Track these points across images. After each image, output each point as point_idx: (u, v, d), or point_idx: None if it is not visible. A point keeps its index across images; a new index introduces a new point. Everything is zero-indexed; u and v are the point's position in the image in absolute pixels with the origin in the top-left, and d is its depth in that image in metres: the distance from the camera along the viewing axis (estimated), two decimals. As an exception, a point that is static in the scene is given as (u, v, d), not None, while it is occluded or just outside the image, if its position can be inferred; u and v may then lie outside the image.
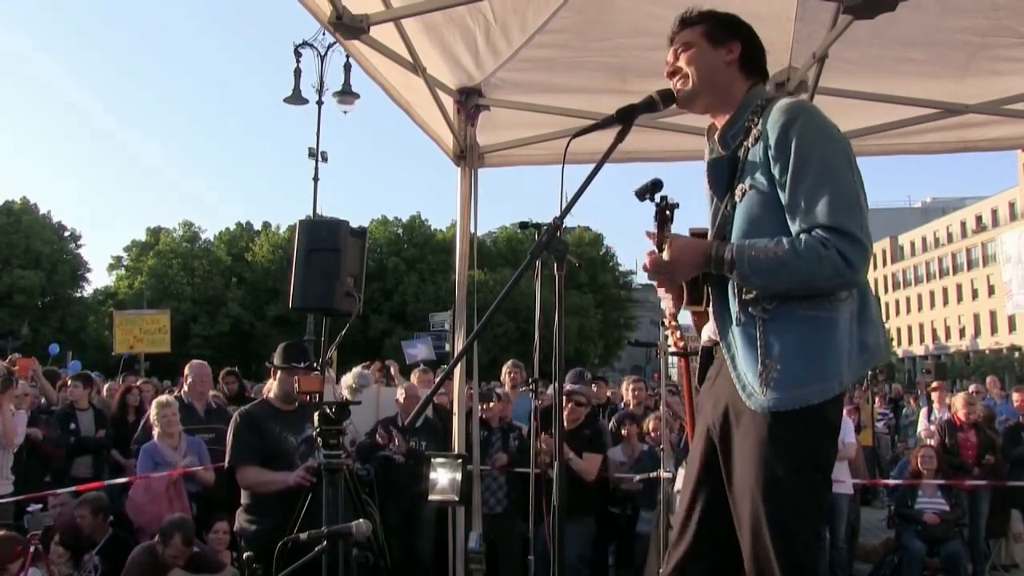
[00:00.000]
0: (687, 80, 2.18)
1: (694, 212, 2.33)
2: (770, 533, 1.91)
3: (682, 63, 2.19)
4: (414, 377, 8.02)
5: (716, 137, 2.21)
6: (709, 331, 2.22)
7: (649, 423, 6.39)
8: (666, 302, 2.40)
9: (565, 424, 4.61)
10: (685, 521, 2.16)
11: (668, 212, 2.06)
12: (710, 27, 2.20)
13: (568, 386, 5.29)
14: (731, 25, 2.22)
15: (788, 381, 1.93)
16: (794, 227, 1.96)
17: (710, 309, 2.17)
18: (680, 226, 2.21)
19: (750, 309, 2.02)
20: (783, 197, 1.98)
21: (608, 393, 9.00)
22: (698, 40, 2.18)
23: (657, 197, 2.07)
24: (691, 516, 2.15)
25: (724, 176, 2.13)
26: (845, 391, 2.00)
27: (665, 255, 2.05)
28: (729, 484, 2.04)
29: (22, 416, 6.30)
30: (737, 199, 2.08)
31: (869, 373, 11.61)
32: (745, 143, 2.09)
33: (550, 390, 6.16)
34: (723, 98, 2.18)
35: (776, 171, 1.99)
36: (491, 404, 5.93)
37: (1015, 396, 8.11)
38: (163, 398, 6.14)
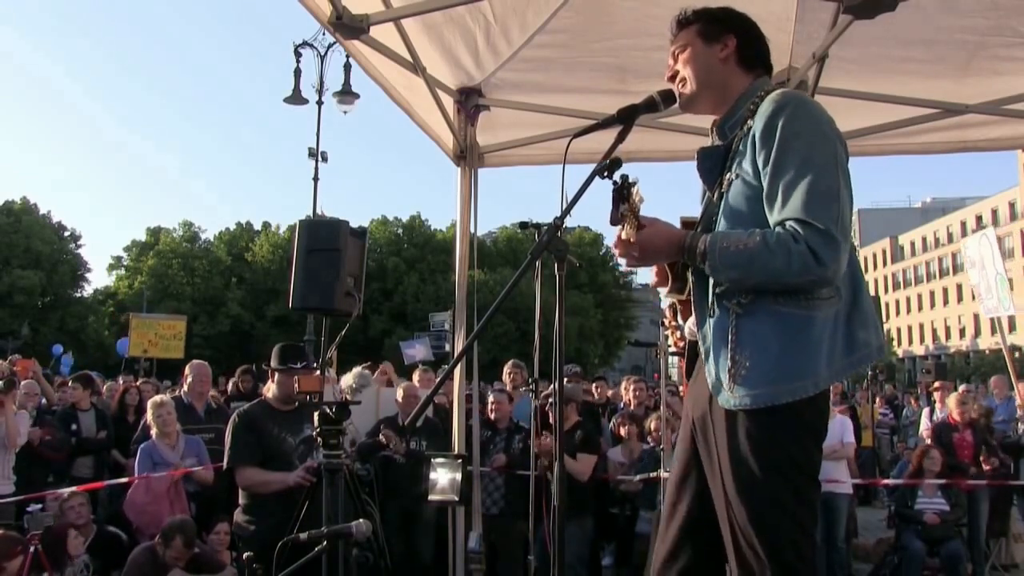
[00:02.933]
0: (685, 83, 2.16)
1: (696, 210, 2.29)
2: (754, 534, 1.88)
3: (679, 65, 2.17)
4: (415, 377, 8.02)
5: (715, 129, 2.18)
6: (691, 323, 2.18)
7: (650, 423, 6.40)
8: (650, 277, 2.37)
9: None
10: (668, 520, 2.15)
11: (624, 190, 2.01)
12: (703, 24, 2.16)
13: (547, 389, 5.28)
14: (724, 19, 2.18)
15: (757, 379, 1.89)
16: (771, 219, 1.92)
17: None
18: (672, 217, 2.20)
19: (724, 302, 1.97)
20: (764, 187, 1.94)
21: (608, 393, 9.01)
22: (693, 40, 2.15)
23: (616, 175, 2.02)
24: (674, 515, 2.14)
25: (716, 166, 2.10)
26: (825, 391, 1.93)
27: (624, 233, 2.02)
28: (711, 484, 2.02)
29: (24, 416, 6.30)
30: (724, 189, 2.05)
31: (868, 373, 11.64)
32: (739, 133, 2.06)
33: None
34: (723, 95, 2.14)
35: (760, 161, 1.95)
36: (499, 403, 5.92)
37: (1020, 387, 8.09)
38: (159, 398, 6.13)
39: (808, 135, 1.92)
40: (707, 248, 1.94)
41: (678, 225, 2.19)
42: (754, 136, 1.97)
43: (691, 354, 2.24)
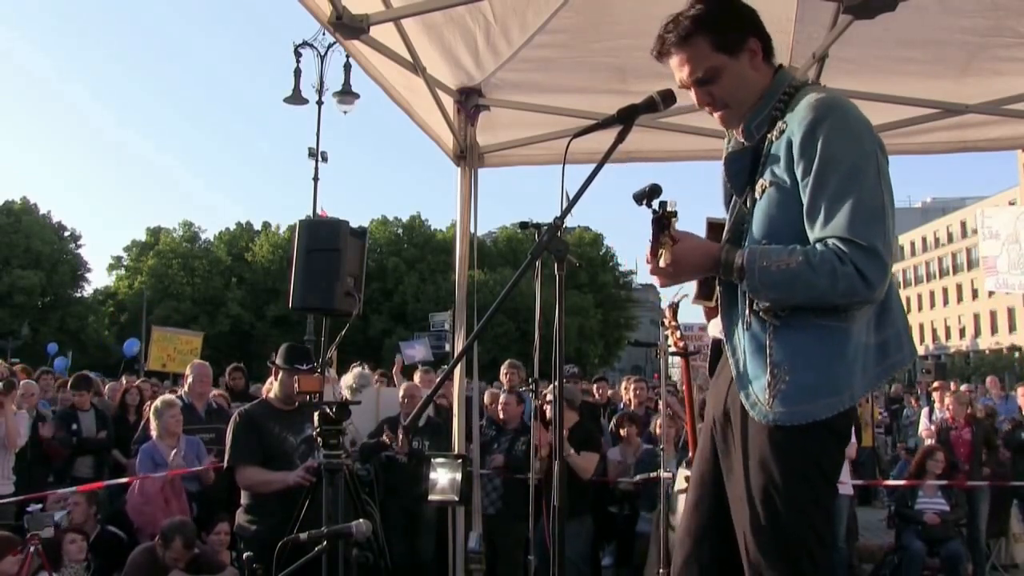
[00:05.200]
0: (727, 108, 2.03)
1: (695, 210, 2.27)
2: (771, 538, 1.86)
3: (718, 93, 2.01)
4: (416, 377, 8.03)
5: (740, 127, 2.05)
6: (717, 328, 2.12)
7: (654, 425, 6.39)
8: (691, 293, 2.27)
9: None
10: (689, 520, 2.13)
11: (665, 219, 1.91)
12: (718, 35, 1.96)
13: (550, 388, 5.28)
14: (738, 21, 2.00)
15: (797, 394, 1.84)
16: (812, 235, 1.84)
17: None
18: (694, 218, 2.14)
19: (761, 314, 1.90)
20: (804, 201, 1.85)
21: (608, 393, 9.02)
22: (716, 58, 1.96)
23: (655, 203, 1.92)
24: (695, 515, 2.11)
25: (745, 169, 2.00)
26: (857, 403, 1.89)
27: (663, 262, 1.92)
28: (728, 482, 2.00)
29: (23, 416, 6.28)
30: (757, 195, 1.96)
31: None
32: (769, 135, 1.95)
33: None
34: (757, 95, 2.02)
35: (799, 172, 1.85)
36: (507, 403, 5.92)
37: (1020, 390, 8.11)
38: (169, 398, 6.05)
39: (852, 149, 1.83)
40: (745, 265, 1.86)
41: (703, 226, 2.16)
42: (791, 143, 1.88)
43: (715, 352, 2.20)
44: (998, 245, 7.15)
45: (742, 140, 2.06)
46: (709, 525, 2.07)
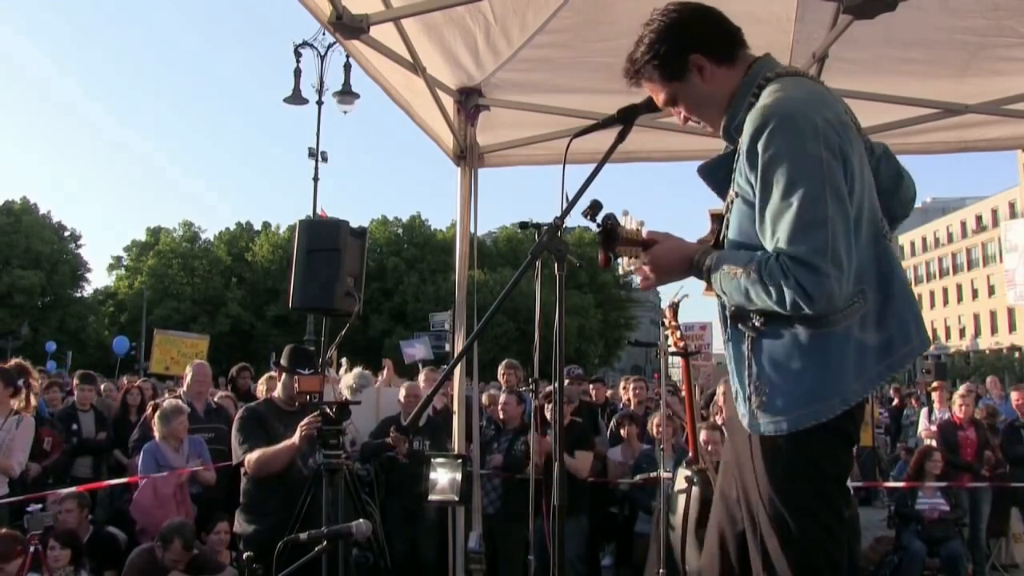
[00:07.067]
0: (700, 122, 2.09)
1: (696, 211, 2.29)
2: (778, 541, 1.83)
3: (685, 112, 2.07)
4: (420, 376, 8.02)
5: (722, 133, 2.05)
6: None
7: (653, 423, 6.39)
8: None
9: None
10: (712, 528, 2.13)
11: (609, 232, 1.99)
12: (661, 69, 2.00)
13: (547, 388, 5.29)
14: (675, 46, 1.97)
15: (781, 405, 1.81)
16: (767, 245, 1.80)
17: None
18: (694, 219, 2.16)
19: (739, 325, 1.90)
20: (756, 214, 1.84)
21: (607, 393, 9.01)
22: (670, 87, 2.01)
23: (599, 217, 2.00)
24: (715, 515, 2.12)
25: (725, 177, 1.99)
26: (860, 402, 1.83)
27: (625, 265, 1.99)
28: (738, 484, 2.00)
29: (24, 433, 5.96)
30: (729, 204, 1.96)
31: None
32: (741, 139, 1.91)
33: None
34: (724, 102, 2.00)
35: (753, 181, 1.83)
36: (507, 404, 5.92)
37: (1014, 395, 8.10)
38: (177, 403, 5.95)
39: (790, 157, 1.75)
40: (712, 268, 1.88)
41: (707, 217, 2.19)
42: (744, 152, 1.85)
43: None
44: (1016, 257, 7.16)
45: (729, 145, 2.06)
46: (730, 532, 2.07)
